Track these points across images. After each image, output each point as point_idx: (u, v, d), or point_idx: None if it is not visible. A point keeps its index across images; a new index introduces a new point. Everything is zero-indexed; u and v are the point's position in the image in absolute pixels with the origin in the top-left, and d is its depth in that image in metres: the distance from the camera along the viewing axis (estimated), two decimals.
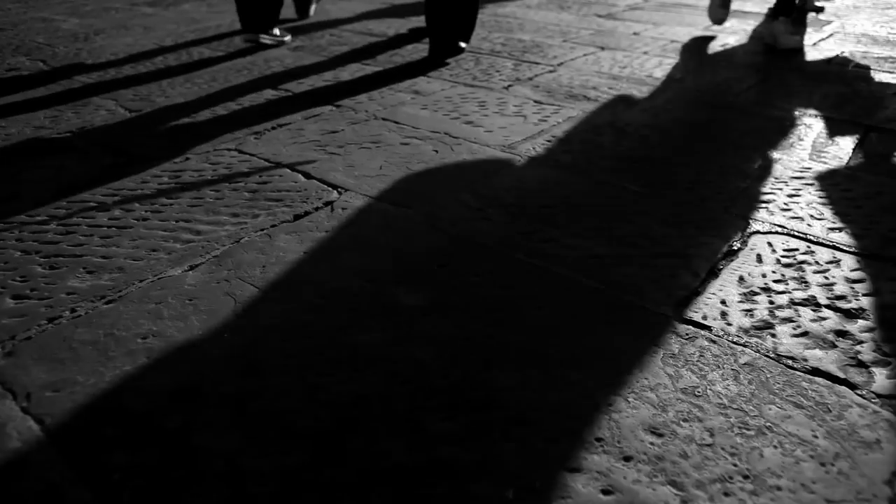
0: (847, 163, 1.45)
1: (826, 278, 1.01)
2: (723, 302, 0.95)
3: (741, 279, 1.01)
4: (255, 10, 2.50)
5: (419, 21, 3.15)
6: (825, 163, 1.45)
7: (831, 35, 2.81)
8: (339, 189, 1.35)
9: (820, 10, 2.94)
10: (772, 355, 0.84)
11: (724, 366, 0.82)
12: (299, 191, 1.34)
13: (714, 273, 1.03)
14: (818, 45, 2.63)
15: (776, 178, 1.38)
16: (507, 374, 0.81)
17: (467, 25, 2.37)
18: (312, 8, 3.33)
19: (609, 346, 0.86)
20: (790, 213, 1.22)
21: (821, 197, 1.29)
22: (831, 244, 1.11)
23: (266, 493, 0.65)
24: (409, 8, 3.56)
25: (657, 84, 2.09)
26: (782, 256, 1.08)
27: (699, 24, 3.08)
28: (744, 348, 0.86)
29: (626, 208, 1.25)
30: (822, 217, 1.21)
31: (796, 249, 1.10)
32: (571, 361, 0.83)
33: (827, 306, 0.94)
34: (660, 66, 2.30)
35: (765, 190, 1.32)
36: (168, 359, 0.85)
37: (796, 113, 1.79)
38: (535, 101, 1.92)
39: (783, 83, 2.08)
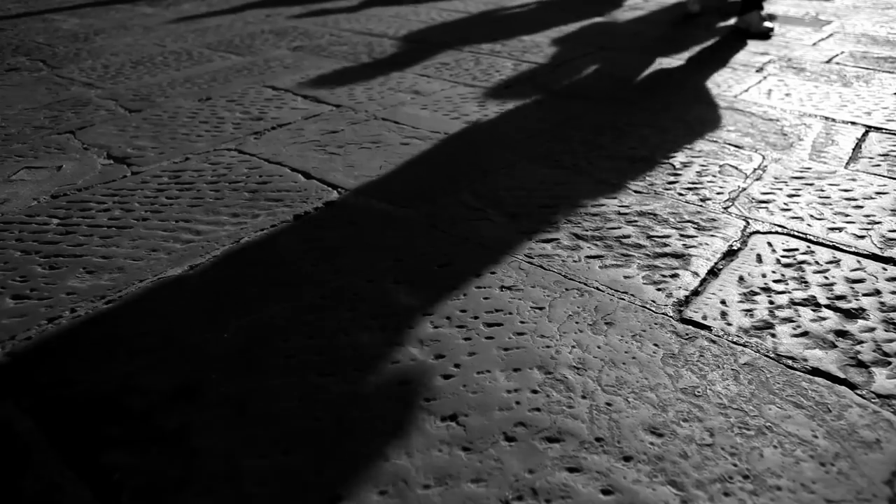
0: (847, 163, 1.45)
1: (826, 278, 1.01)
2: (723, 302, 0.95)
3: (741, 279, 1.01)
4: None
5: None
6: (825, 163, 1.45)
7: (831, 35, 2.81)
8: (339, 189, 1.35)
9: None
10: (772, 355, 0.84)
11: (724, 366, 0.82)
12: (299, 191, 1.34)
13: (714, 273, 1.03)
14: (818, 44, 2.63)
15: (776, 178, 1.38)
16: (506, 376, 0.81)
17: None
18: None
19: (609, 346, 0.86)
20: (790, 213, 1.22)
21: (821, 197, 1.29)
22: (831, 244, 1.11)
23: (265, 493, 0.65)
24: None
25: (657, 83, 2.09)
26: (782, 256, 1.08)
27: (698, 24, 3.08)
28: (744, 348, 0.86)
29: (627, 208, 1.25)
30: (822, 217, 1.21)
31: (796, 249, 1.10)
32: (573, 362, 0.83)
33: (827, 306, 0.94)
34: (660, 66, 2.30)
35: (765, 190, 1.32)
36: (168, 359, 0.84)
37: (796, 113, 1.79)
38: (536, 101, 1.92)
39: (782, 83, 2.08)
